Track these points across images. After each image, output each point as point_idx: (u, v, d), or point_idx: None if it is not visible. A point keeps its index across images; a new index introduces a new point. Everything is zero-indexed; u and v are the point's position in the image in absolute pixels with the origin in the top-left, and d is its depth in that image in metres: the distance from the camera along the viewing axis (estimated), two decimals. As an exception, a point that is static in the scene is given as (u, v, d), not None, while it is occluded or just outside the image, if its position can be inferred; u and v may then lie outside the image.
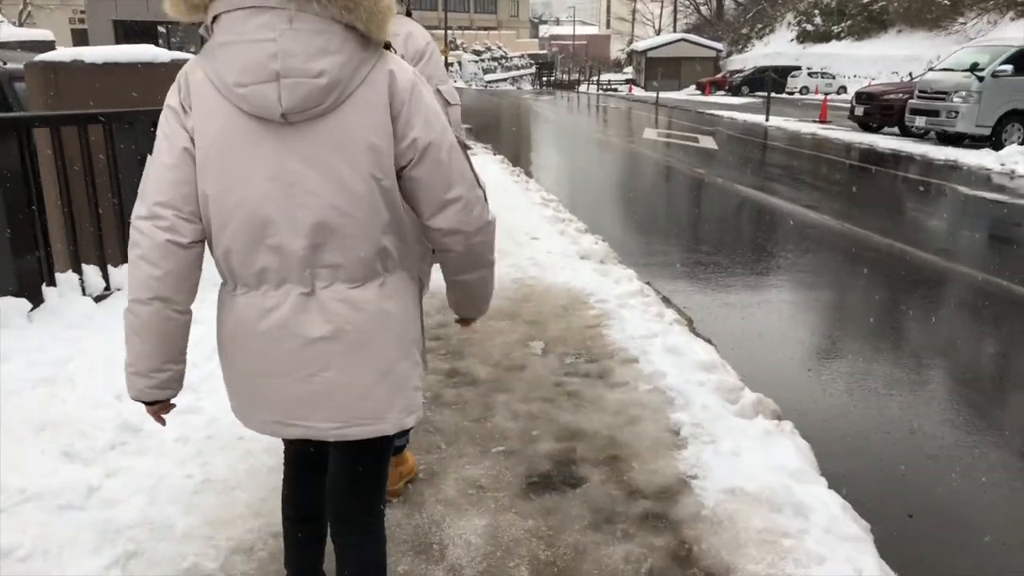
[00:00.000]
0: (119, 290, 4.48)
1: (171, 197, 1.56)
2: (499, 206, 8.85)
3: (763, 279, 6.60)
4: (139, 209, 1.58)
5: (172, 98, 1.58)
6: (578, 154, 17.11)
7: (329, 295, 1.59)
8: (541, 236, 7.26)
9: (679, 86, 49.09)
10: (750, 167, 13.73)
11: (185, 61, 5.64)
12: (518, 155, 15.85)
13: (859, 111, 19.34)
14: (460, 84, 57.58)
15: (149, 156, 1.62)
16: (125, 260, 4.72)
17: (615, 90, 52.88)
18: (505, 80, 67.03)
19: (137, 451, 2.93)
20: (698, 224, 9.13)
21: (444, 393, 3.78)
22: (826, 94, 36.73)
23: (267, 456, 3.02)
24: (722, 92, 44.42)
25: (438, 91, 2.26)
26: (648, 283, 6.12)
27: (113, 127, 4.35)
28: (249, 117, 1.51)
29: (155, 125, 1.62)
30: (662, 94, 36.32)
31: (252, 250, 1.56)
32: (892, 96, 18.37)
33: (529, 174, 12.17)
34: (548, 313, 5.00)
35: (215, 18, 1.50)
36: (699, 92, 45.54)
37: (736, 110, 28.96)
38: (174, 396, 1.71)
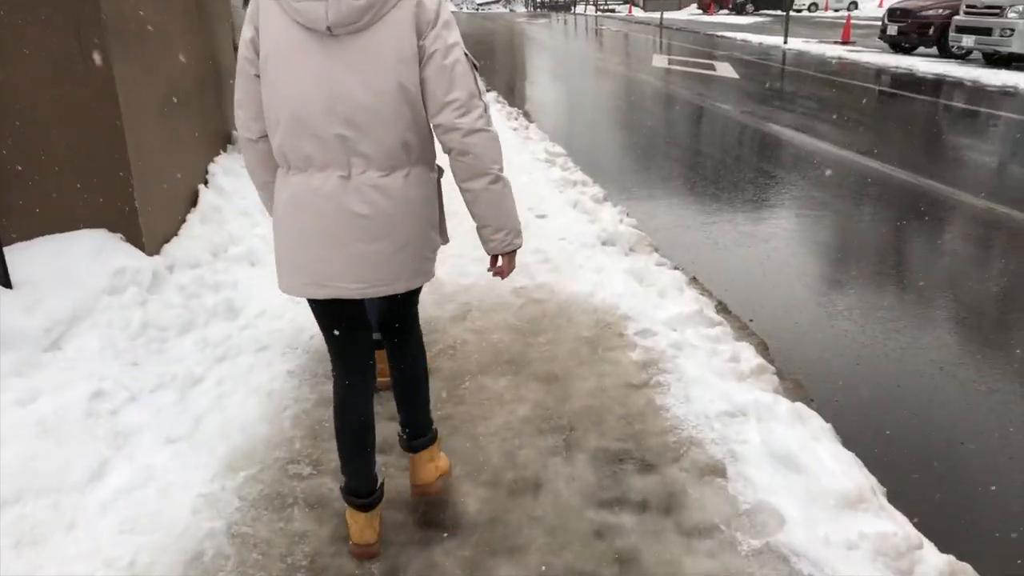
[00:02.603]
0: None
1: (240, 100, 1.99)
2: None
3: (855, 274, 5.00)
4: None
5: (247, 29, 1.92)
6: (582, 88, 15.15)
7: (363, 180, 1.91)
8: (549, 211, 5.60)
9: (679, 5, 46.37)
10: (782, 101, 11.91)
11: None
12: (515, 91, 14.02)
13: (892, 30, 17.31)
14: (451, 7, 54.65)
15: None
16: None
17: (613, 11, 50.10)
18: (497, 2, 63.91)
19: None
20: (737, 183, 7.35)
21: (405, 567, 2.21)
22: (837, 10, 34.48)
23: None
24: (725, 11, 41.85)
25: None
26: (695, 278, 4.56)
27: None
28: (302, 29, 1.83)
29: None
30: (663, 14, 34.00)
31: (300, 139, 1.89)
32: (931, 12, 16.35)
33: (528, 116, 10.40)
34: (568, 356, 3.41)
35: None
36: (701, 11, 42.85)
37: (747, 31, 26.82)
38: None
